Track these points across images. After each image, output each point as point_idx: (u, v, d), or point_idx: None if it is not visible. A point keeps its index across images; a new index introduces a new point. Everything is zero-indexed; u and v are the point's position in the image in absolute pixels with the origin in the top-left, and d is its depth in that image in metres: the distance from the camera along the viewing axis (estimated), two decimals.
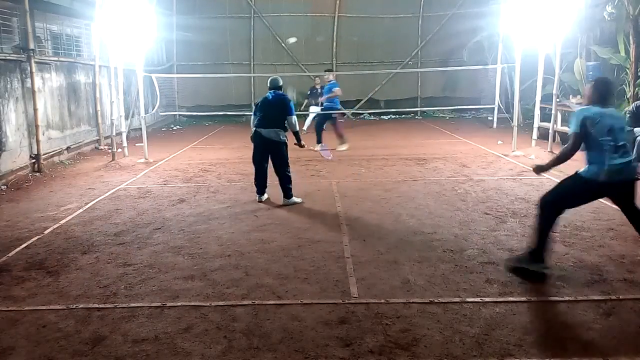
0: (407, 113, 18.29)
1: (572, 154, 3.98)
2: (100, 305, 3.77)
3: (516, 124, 10.53)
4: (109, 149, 10.61)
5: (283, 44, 18.02)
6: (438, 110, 17.97)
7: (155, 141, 12.35)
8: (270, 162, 6.65)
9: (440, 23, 18.10)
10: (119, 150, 10.45)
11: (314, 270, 4.34)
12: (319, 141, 10.74)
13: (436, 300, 3.71)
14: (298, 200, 6.62)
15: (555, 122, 10.34)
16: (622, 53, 10.66)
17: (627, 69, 10.40)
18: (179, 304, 3.77)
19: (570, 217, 5.54)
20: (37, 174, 8.90)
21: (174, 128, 16.57)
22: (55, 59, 10.49)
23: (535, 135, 10.39)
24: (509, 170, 8.42)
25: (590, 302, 3.65)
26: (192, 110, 17.48)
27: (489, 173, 8.27)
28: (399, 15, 18.24)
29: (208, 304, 3.75)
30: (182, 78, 17.04)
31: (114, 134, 10.28)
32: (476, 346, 3.10)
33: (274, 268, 4.41)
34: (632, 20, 9.98)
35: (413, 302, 3.69)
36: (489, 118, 15.77)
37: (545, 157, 8.37)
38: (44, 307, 3.76)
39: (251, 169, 6.85)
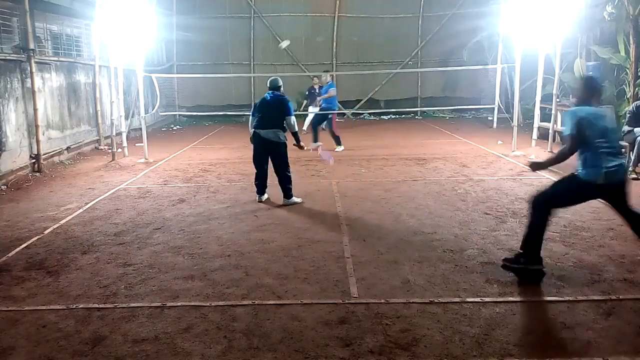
0: (407, 113, 18.29)
1: (570, 156, 3.98)
2: (100, 305, 3.77)
3: (516, 124, 10.53)
4: (109, 149, 10.61)
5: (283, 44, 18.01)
6: (438, 110, 17.97)
7: (155, 141, 12.35)
8: (270, 162, 6.65)
9: (440, 23, 18.10)
10: (119, 150, 10.45)
11: (314, 270, 4.34)
12: (315, 140, 10.84)
13: (436, 300, 3.71)
14: (298, 200, 6.62)
15: (555, 122, 10.34)
16: (622, 53, 10.66)
17: (627, 69, 10.39)
18: (179, 304, 3.77)
19: (570, 217, 5.55)
20: (37, 174, 8.90)
21: (174, 128, 16.57)
22: (55, 59, 10.49)
23: (535, 135, 10.39)
24: (509, 170, 8.42)
25: (590, 302, 3.65)
26: (192, 110, 17.48)
27: (489, 173, 8.27)
28: (399, 15, 18.24)
29: (208, 304, 3.75)
30: (182, 78, 17.04)
31: (114, 134, 10.28)
32: (476, 346, 3.10)
33: (274, 268, 4.41)
34: (632, 20, 9.97)
35: (413, 302, 3.69)
36: (489, 118, 15.77)
37: (545, 157, 8.36)
38: (44, 307, 3.76)
39: (251, 169, 6.86)
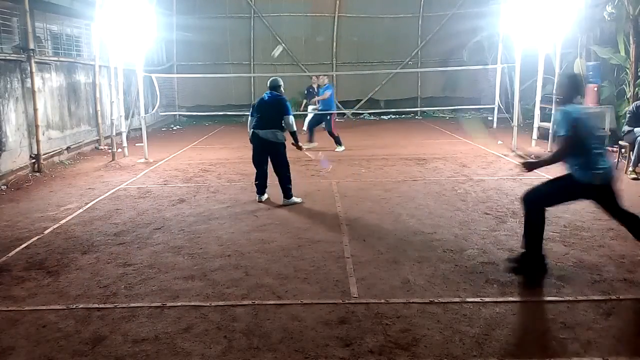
0: (407, 113, 18.30)
1: (565, 158, 3.98)
2: (100, 305, 3.77)
3: (516, 124, 10.53)
4: (109, 149, 10.61)
5: (283, 44, 18.03)
6: (438, 110, 17.97)
7: (155, 141, 12.35)
8: (270, 162, 6.65)
9: (440, 23, 18.10)
10: (119, 150, 10.46)
11: (314, 270, 4.34)
12: (309, 140, 10.90)
13: (436, 300, 3.71)
14: (298, 200, 6.62)
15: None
16: (622, 53, 10.65)
17: (627, 69, 10.39)
18: (179, 304, 3.77)
19: (570, 217, 5.55)
20: (37, 174, 8.90)
21: (174, 128, 16.57)
22: (55, 59, 10.49)
23: (535, 135, 10.39)
24: (509, 170, 8.41)
25: (590, 302, 3.65)
26: (192, 110, 17.47)
27: (489, 173, 8.27)
28: (399, 15, 18.24)
29: (208, 304, 3.75)
30: (182, 78, 17.03)
31: (114, 134, 10.29)
32: (476, 346, 3.10)
33: (274, 268, 4.41)
34: (632, 20, 9.97)
35: (413, 302, 3.69)
36: (489, 118, 15.76)
37: (538, 157, 8.36)
38: (44, 307, 3.76)
39: (251, 169, 6.86)
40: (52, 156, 9.83)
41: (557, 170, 4.21)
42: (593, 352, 3.04)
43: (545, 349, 3.09)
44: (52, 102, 10.17)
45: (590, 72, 11.01)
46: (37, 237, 5.43)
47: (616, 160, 8.08)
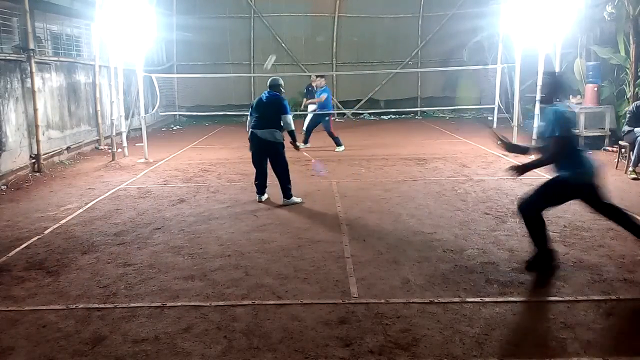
0: (407, 113, 18.30)
1: (558, 160, 3.97)
2: (100, 305, 3.77)
3: (516, 124, 10.53)
4: (109, 149, 10.61)
5: (283, 44, 18.03)
6: (438, 110, 17.97)
7: (155, 141, 12.35)
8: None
9: (440, 23, 18.11)
10: (119, 150, 10.46)
11: (314, 270, 4.34)
12: (305, 141, 10.92)
13: (436, 300, 3.71)
14: (298, 200, 6.61)
15: None
16: (622, 53, 10.65)
17: (627, 69, 10.39)
18: (179, 304, 3.77)
19: (570, 217, 5.55)
20: (37, 174, 8.90)
21: (174, 128, 16.57)
22: (55, 59, 10.49)
23: (535, 135, 10.36)
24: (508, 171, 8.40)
25: (590, 302, 3.65)
26: (192, 110, 17.48)
27: (489, 173, 8.27)
28: (399, 15, 18.25)
29: (208, 304, 3.75)
30: (182, 78, 17.04)
31: (114, 134, 10.29)
32: (476, 346, 3.10)
33: (274, 268, 4.41)
34: (632, 20, 9.97)
35: (413, 302, 3.69)
36: (489, 118, 15.76)
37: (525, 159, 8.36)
38: (44, 307, 3.76)
39: (251, 169, 6.86)
40: (52, 156, 9.83)
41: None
42: (593, 352, 3.04)
43: (545, 349, 3.09)
44: (52, 102, 10.17)
45: (590, 72, 11.01)
46: (37, 237, 5.43)
47: (616, 160, 8.07)
